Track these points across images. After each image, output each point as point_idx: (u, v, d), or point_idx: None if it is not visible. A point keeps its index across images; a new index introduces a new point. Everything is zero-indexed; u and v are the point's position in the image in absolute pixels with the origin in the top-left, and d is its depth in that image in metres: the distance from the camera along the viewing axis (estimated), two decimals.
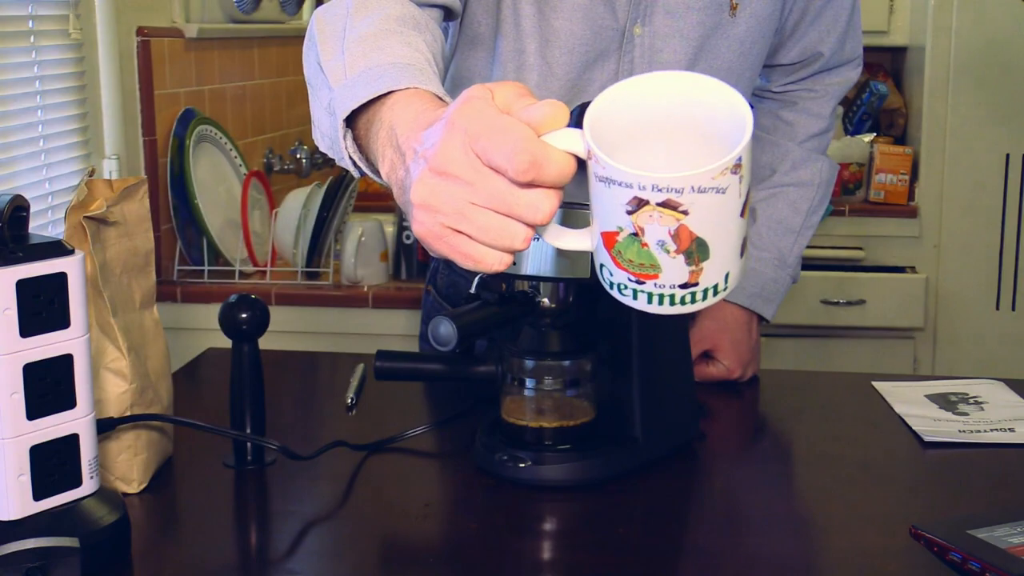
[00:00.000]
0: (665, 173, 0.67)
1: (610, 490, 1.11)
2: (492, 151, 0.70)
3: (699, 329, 1.45)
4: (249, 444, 1.17)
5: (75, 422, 0.93)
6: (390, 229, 2.58)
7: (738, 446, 1.34)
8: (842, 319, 3.22)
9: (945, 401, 1.37)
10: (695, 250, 0.69)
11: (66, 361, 0.92)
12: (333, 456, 1.17)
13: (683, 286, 0.71)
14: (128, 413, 1.09)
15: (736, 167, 0.68)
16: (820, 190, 1.53)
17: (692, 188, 0.67)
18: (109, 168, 2.37)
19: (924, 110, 3.28)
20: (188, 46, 2.61)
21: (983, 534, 0.97)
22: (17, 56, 2.10)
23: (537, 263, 1.07)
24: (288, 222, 2.54)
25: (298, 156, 3.04)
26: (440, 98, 0.85)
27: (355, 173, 0.92)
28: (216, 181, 2.65)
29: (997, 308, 3.29)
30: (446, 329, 1.05)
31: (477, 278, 1.15)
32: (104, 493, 0.97)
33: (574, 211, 1.00)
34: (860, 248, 3.27)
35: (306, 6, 3.19)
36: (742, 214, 0.70)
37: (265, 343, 1.18)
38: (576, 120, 0.72)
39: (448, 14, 1.24)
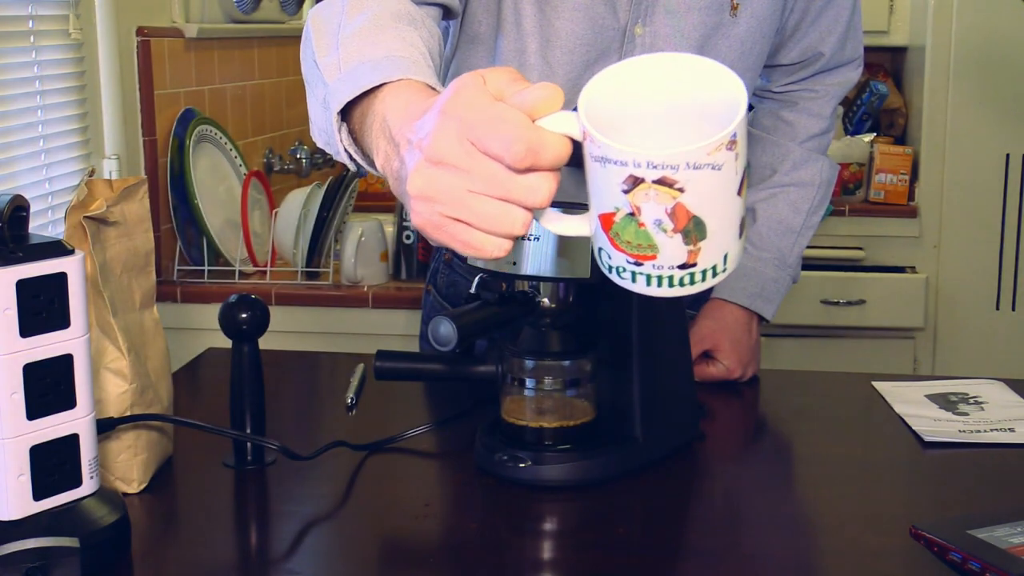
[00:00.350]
0: (660, 150, 0.66)
1: (610, 490, 1.11)
2: (488, 140, 0.69)
3: (699, 329, 1.45)
4: (249, 444, 1.17)
5: (75, 422, 0.93)
6: (390, 229, 2.58)
7: (738, 446, 1.34)
8: (842, 319, 3.22)
9: (945, 401, 1.37)
10: (692, 229, 0.69)
11: (66, 361, 0.92)
12: (333, 456, 1.17)
13: (682, 267, 0.71)
14: (128, 413, 1.09)
15: (731, 143, 0.67)
16: (820, 190, 1.53)
17: (688, 165, 0.67)
18: (109, 168, 2.37)
19: (924, 110, 3.28)
20: (188, 46, 2.61)
21: (983, 534, 0.97)
22: (17, 56, 2.10)
23: (537, 263, 1.07)
24: (288, 222, 2.54)
25: (298, 156, 3.04)
26: (432, 88, 0.85)
27: (351, 167, 0.92)
28: (216, 181, 2.65)
29: (997, 308, 3.29)
30: (446, 329, 1.05)
31: (477, 278, 1.15)
32: (104, 493, 0.97)
33: (575, 212, 0.99)
34: (860, 248, 3.27)
35: (306, 6, 3.19)
36: (739, 192, 0.70)
37: (265, 343, 1.18)
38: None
39: (447, 12, 1.24)
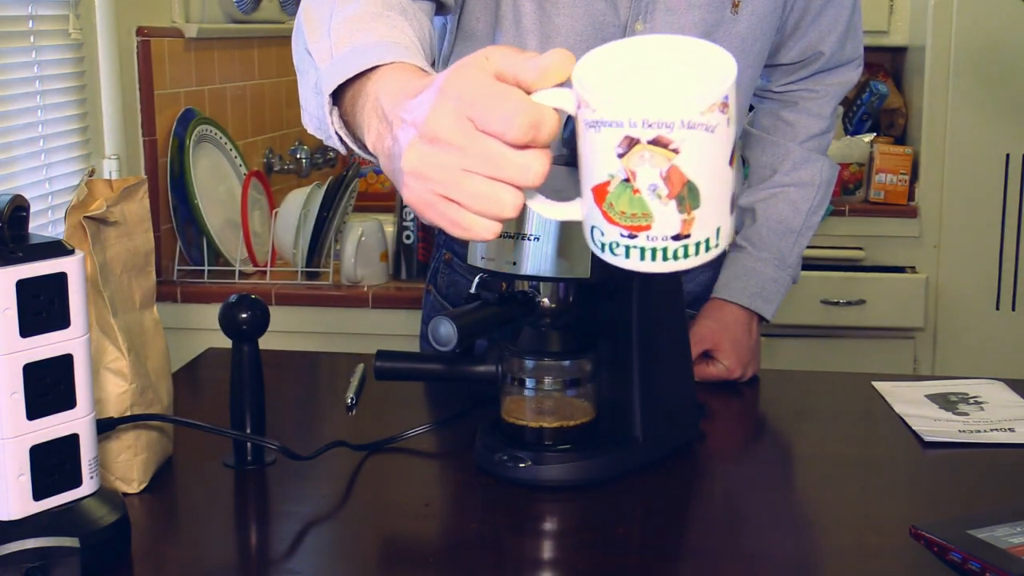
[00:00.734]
0: (655, 106, 0.67)
1: (610, 490, 1.11)
2: (489, 115, 0.69)
3: (699, 329, 1.45)
4: (249, 444, 1.17)
5: (75, 422, 0.93)
6: (390, 229, 2.58)
7: (738, 446, 1.34)
8: (842, 319, 3.22)
9: (945, 401, 1.37)
10: (687, 195, 0.70)
11: (66, 361, 0.92)
12: (333, 456, 1.17)
13: (676, 238, 0.71)
14: (128, 413, 1.09)
15: (723, 106, 0.68)
16: (821, 190, 1.54)
17: (682, 123, 0.67)
18: (109, 168, 2.37)
19: (924, 110, 3.28)
20: (188, 46, 2.61)
21: (983, 534, 0.97)
22: (17, 56, 2.10)
23: (537, 263, 1.07)
24: (288, 222, 2.53)
25: (298, 156, 3.04)
26: (425, 71, 0.86)
27: (342, 150, 0.93)
28: (216, 181, 2.65)
29: (997, 308, 3.29)
30: (446, 329, 1.05)
31: (477, 278, 1.15)
32: (104, 493, 0.97)
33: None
34: (860, 248, 3.27)
35: None
36: (731, 162, 0.71)
37: (265, 343, 1.18)
38: None
39: (441, 7, 1.24)
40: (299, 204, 2.53)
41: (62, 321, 0.91)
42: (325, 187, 2.53)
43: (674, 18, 1.32)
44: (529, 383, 1.14)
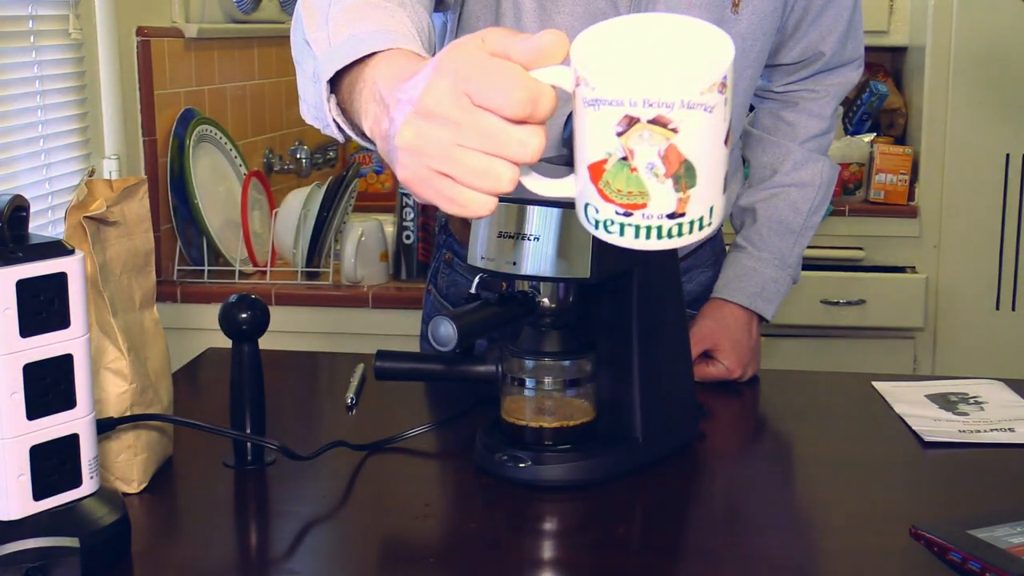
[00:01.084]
0: (655, 86, 0.67)
1: (610, 490, 1.11)
2: (486, 89, 0.69)
3: (699, 329, 1.45)
4: (249, 444, 1.17)
5: (75, 422, 0.93)
6: (390, 229, 2.58)
7: (738, 446, 1.34)
8: (842, 319, 3.22)
9: (945, 401, 1.37)
10: (683, 174, 0.70)
11: (66, 361, 0.92)
12: (333, 456, 1.17)
13: (671, 216, 0.72)
14: (128, 413, 1.09)
15: (722, 86, 0.69)
16: (821, 191, 1.54)
17: (682, 103, 0.68)
18: (109, 168, 2.37)
19: (924, 110, 3.28)
20: (188, 46, 2.61)
21: (983, 534, 0.97)
22: (17, 56, 2.10)
23: (537, 263, 1.07)
24: (288, 222, 2.53)
25: (298, 156, 3.04)
26: (422, 57, 0.86)
27: (339, 138, 0.92)
28: (216, 181, 2.65)
29: (997, 308, 3.29)
30: (446, 329, 1.05)
31: (477, 278, 1.15)
32: (104, 493, 0.97)
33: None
34: (860, 248, 3.27)
35: None
36: (726, 142, 0.71)
37: (265, 343, 1.18)
38: None
39: (440, 3, 1.24)
40: (299, 204, 2.53)
41: (62, 321, 0.91)
42: (325, 187, 2.53)
43: None
44: (529, 383, 1.14)
